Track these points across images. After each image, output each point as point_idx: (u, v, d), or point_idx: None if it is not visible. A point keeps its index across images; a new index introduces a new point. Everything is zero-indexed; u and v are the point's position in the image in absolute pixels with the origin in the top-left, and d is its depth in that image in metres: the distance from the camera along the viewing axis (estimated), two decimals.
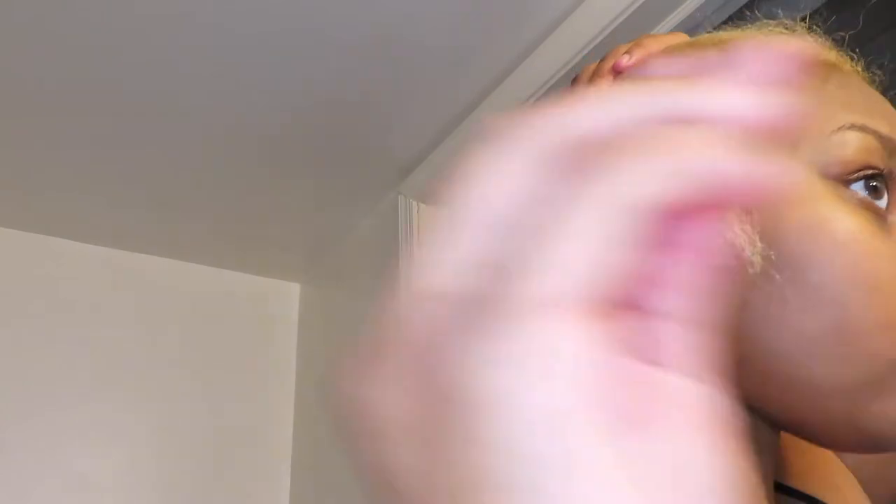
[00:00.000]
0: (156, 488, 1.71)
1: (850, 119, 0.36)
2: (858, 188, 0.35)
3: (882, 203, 0.35)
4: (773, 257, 0.33)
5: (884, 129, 0.36)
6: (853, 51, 0.44)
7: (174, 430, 1.77)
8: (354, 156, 1.53)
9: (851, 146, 0.35)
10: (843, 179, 0.35)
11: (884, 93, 0.42)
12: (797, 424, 0.36)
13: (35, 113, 1.37)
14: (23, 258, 1.74)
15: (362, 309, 1.73)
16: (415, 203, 1.56)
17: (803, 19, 0.44)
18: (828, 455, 0.47)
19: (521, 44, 1.21)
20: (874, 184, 0.35)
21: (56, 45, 1.21)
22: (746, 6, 1.02)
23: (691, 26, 1.01)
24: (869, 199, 0.35)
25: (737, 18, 1.05)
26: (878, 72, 0.43)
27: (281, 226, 1.82)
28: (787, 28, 0.41)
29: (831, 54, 0.41)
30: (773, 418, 0.36)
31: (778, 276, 0.33)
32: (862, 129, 0.36)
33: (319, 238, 1.88)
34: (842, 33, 0.45)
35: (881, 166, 0.35)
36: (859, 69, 0.42)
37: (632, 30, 1.05)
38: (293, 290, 2.07)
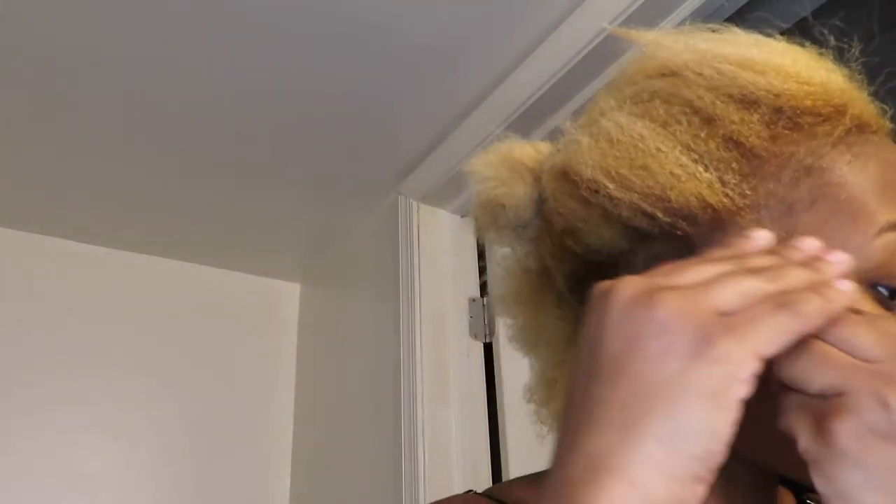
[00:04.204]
0: (155, 487, 1.71)
1: (887, 217, 0.37)
2: (882, 288, 0.37)
3: None
4: None
5: None
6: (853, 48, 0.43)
7: (173, 429, 1.77)
8: (354, 156, 1.53)
9: (889, 249, 0.37)
10: (873, 282, 0.37)
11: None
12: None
13: (34, 113, 1.37)
14: (23, 258, 1.74)
15: (362, 309, 1.73)
16: (415, 203, 1.57)
17: (845, 43, 0.43)
18: None
19: (520, 44, 1.21)
20: None
21: (55, 46, 1.21)
22: (746, 6, 1.02)
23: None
24: (889, 299, 0.37)
25: (736, 19, 1.05)
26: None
27: (281, 226, 1.82)
28: (822, 54, 0.42)
29: (869, 108, 0.41)
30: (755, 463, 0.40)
31: None
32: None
33: (319, 238, 1.88)
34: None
35: None
36: (886, 118, 0.42)
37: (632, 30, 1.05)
38: (293, 290, 2.07)
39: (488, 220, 0.51)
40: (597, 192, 0.42)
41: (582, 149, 0.43)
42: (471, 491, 0.48)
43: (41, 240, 1.78)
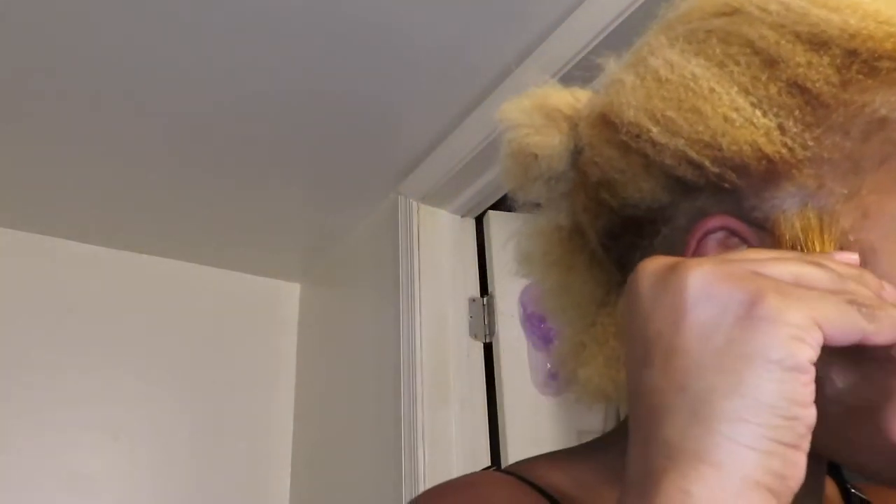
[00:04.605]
0: (155, 487, 1.71)
1: None
2: None
3: None
4: None
5: None
6: None
7: (173, 429, 1.77)
8: (354, 156, 1.53)
9: None
10: None
11: None
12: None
13: (35, 113, 1.37)
14: (23, 258, 1.74)
15: (362, 309, 1.73)
16: (415, 203, 1.57)
17: None
18: None
19: (521, 44, 1.21)
20: None
21: (55, 46, 1.21)
22: None
23: None
24: None
25: None
26: None
27: (281, 226, 1.82)
28: None
29: None
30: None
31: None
32: None
33: (319, 238, 1.88)
34: None
35: None
36: None
37: (632, 30, 1.05)
38: (293, 290, 2.07)
39: (518, 171, 0.47)
40: (638, 136, 0.38)
41: (625, 88, 0.40)
42: (491, 467, 0.46)
43: (41, 240, 1.77)
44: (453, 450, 1.39)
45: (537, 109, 0.46)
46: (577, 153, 0.44)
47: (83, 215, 1.72)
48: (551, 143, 0.45)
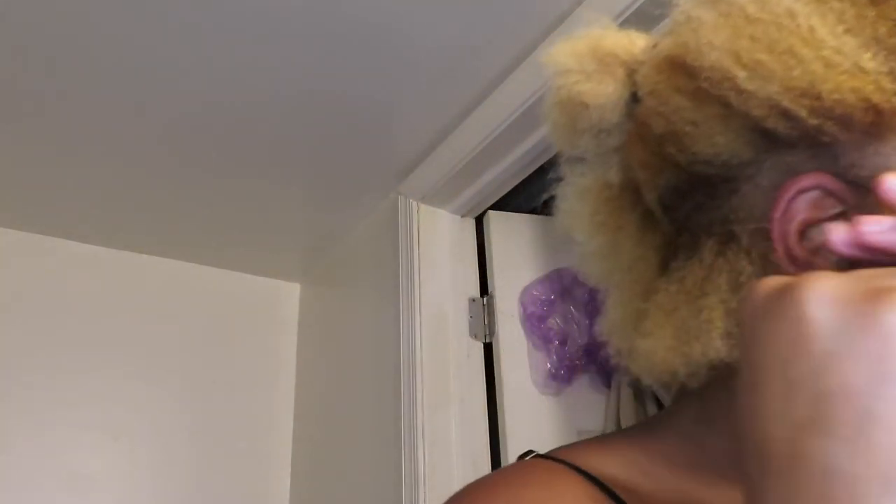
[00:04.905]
0: (155, 487, 1.71)
1: None
2: None
3: None
4: None
5: None
6: None
7: (173, 429, 1.77)
8: (354, 156, 1.53)
9: None
10: None
11: None
12: None
13: (35, 113, 1.37)
14: (23, 258, 1.74)
15: (362, 309, 1.73)
16: (415, 203, 1.57)
17: None
18: None
19: (521, 44, 1.21)
20: None
21: (55, 45, 1.21)
22: None
23: None
24: None
25: None
26: None
27: (281, 226, 1.82)
28: None
29: None
30: None
31: None
32: None
33: (319, 238, 1.88)
34: None
35: None
36: None
37: (632, 30, 1.05)
38: (293, 290, 2.07)
39: (566, 122, 0.42)
40: (721, 83, 0.33)
41: (705, 28, 0.34)
42: (531, 452, 0.43)
43: (41, 240, 1.78)
44: (453, 450, 1.39)
45: (590, 53, 0.42)
46: (633, 103, 0.40)
47: (83, 215, 1.72)
48: (604, 91, 0.41)
